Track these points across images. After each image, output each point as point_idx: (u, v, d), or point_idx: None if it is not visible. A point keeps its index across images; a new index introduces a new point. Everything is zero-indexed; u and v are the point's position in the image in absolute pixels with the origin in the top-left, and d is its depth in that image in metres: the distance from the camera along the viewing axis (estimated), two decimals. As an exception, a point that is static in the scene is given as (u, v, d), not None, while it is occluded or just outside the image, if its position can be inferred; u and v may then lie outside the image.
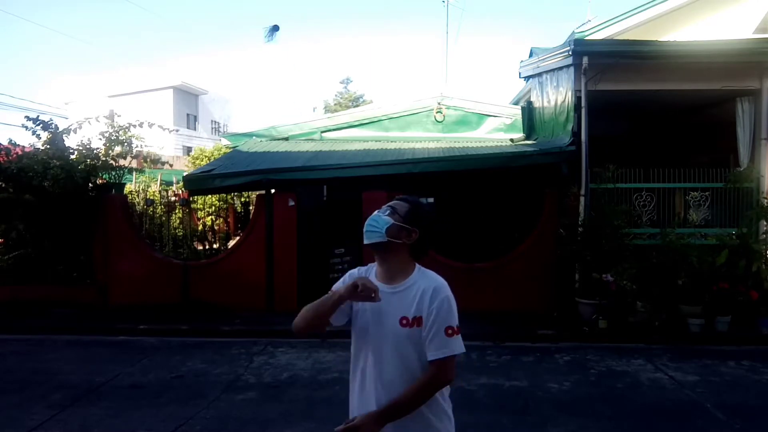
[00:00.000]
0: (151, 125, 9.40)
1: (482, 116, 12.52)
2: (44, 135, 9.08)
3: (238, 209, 16.13)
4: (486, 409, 4.80)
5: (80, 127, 9.21)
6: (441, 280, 2.02)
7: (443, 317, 1.90)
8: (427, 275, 2.04)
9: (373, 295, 1.85)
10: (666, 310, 7.06)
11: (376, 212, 2.03)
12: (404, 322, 1.93)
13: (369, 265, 2.12)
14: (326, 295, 1.95)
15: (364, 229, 2.00)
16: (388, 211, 2.01)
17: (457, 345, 1.90)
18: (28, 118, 9.09)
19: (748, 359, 6.20)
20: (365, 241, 2.01)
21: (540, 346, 6.79)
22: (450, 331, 1.89)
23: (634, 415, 4.67)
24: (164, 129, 9.49)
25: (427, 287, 1.96)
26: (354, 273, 2.09)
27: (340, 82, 35.66)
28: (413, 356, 1.93)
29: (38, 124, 9.02)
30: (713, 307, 6.98)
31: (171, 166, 11.34)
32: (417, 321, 1.92)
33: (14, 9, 57.66)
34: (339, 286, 2.02)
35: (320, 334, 7.10)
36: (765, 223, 7.54)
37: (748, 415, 4.65)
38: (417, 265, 2.06)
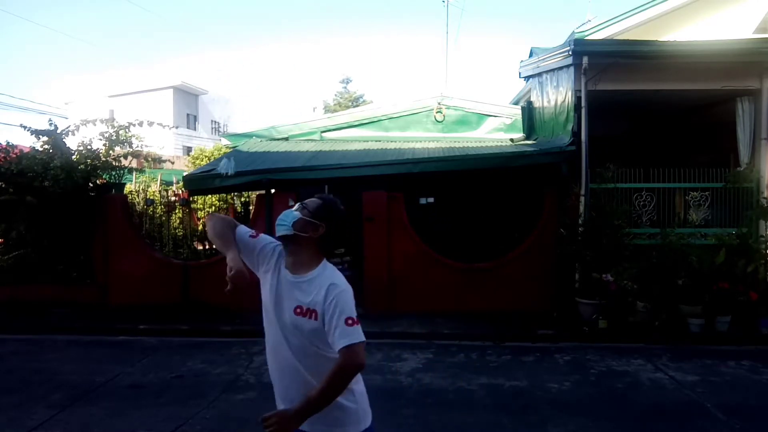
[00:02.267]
0: (150, 124, 9.40)
1: (482, 116, 12.52)
2: (46, 140, 9.07)
3: (238, 209, 16.11)
4: (486, 409, 4.80)
5: (77, 129, 9.21)
6: (340, 277, 2.11)
7: (341, 309, 1.99)
8: (328, 270, 2.13)
9: (234, 289, 2.06)
10: (666, 310, 7.06)
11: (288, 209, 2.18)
12: (298, 311, 2.05)
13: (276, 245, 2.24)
14: (229, 237, 2.18)
15: (277, 223, 2.14)
16: (298, 207, 2.15)
17: (359, 334, 1.98)
18: (25, 127, 9.07)
19: (748, 359, 6.20)
20: (276, 234, 2.15)
21: (540, 346, 6.79)
22: (350, 321, 1.98)
23: (634, 415, 4.67)
24: (163, 126, 9.48)
25: (325, 282, 2.06)
26: (265, 239, 2.24)
27: (340, 82, 35.61)
28: (300, 343, 2.06)
29: (37, 134, 9.02)
30: (713, 307, 6.98)
31: (172, 163, 11.33)
32: (310, 312, 2.03)
33: (14, 9, 57.66)
34: (248, 239, 2.22)
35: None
36: (765, 223, 7.54)
37: (748, 415, 4.65)
38: (324, 261, 2.16)
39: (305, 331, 2.04)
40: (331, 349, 2.00)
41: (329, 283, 2.05)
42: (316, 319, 2.02)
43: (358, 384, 2.16)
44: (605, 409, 4.81)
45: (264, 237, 2.28)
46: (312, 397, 1.96)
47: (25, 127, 9.05)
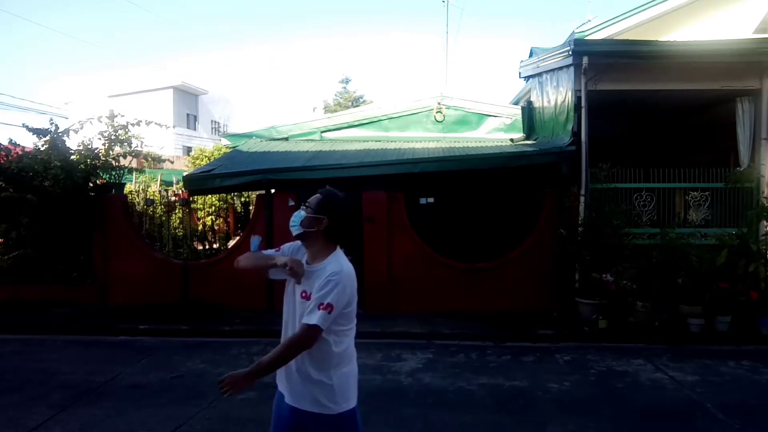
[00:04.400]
0: (148, 123, 9.40)
1: (482, 116, 12.52)
2: (46, 140, 9.06)
3: (238, 209, 16.13)
4: (486, 409, 4.80)
5: (81, 128, 9.21)
6: (343, 266, 2.30)
7: (322, 295, 2.21)
8: (337, 258, 2.34)
9: (296, 277, 2.30)
10: (666, 310, 7.06)
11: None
12: (303, 295, 2.31)
13: (296, 244, 2.49)
14: (266, 256, 2.42)
15: (291, 222, 2.40)
16: (304, 207, 2.39)
17: (319, 318, 2.18)
18: (28, 128, 9.08)
19: (748, 359, 6.20)
20: (293, 234, 2.40)
21: (540, 346, 6.79)
22: (322, 306, 2.19)
23: (634, 415, 4.67)
24: (161, 125, 9.48)
25: (330, 269, 2.28)
26: (286, 248, 2.48)
27: (340, 82, 35.62)
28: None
29: (38, 134, 9.02)
30: (713, 307, 6.98)
31: (172, 162, 11.33)
32: (308, 295, 2.29)
33: (14, 9, 57.66)
34: (276, 254, 2.45)
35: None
36: (765, 223, 7.53)
37: (748, 415, 4.65)
38: (336, 251, 2.37)
39: (304, 312, 2.26)
40: (326, 333, 2.24)
41: (331, 270, 2.26)
42: (309, 299, 2.26)
43: (339, 365, 2.33)
44: (605, 409, 4.81)
45: (285, 246, 2.51)
46: (263, 361, 2.21)
47: (27, 128, 9.05)
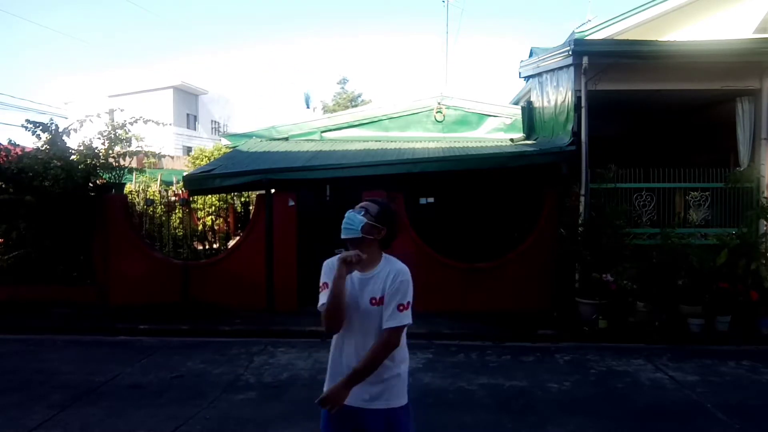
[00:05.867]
0: (146, 121, 9.39)
1: (482, 116, 12.52)
2: (44, 136, 9.07)
3: (238, 209, 16.13)
4: (486, 409, 4.80)
5: (81, 126, 9.18)
6: (402, 266, 2.40)
7: (398, 295, 2.31)
8: (391, 262, 2.42)
9: (356, 258, 2.26)
10: (666, 310, 7.06)
11: (350, 211, 2.40)
12: (373, 301, 2.33)
13: (335, 257, 2.41)
14: (330, 290, 2.28)
15: (342, 225, 2.37)
16: (362, 212, 2.39)
17: (406, 317, 2.32)
18: (28, 121, 9.06)
19: (748, 359, 6.20)
20: (342, 236, 2.38)
21: (540, 346, 6.79)
22: (401, 307, 2.30)
23: (634, 415, 4.67)
24: (159, 124, 9.47)
25: (391, 271, 2.36)
26: (330, 261, 2.40)
27: (337, 83, 35.53)
28: (371, 328, 2.33)
29: (38, 127, 9.00)
30: (713, 307, 6.98)
31: (172, 158, 11.32)
32: (381, 300, 2.33)
33: (14, 9, 57.66)
34: (326, 279, 2.36)
35: (321, 335, 7.11)
36: (765, 223, 7.53)
37: (748, 415, 4.65)
38: (384, 254, 2.44)
39: (376, 317, 2.33)
40: None
41: (394, 272, 2.35)
42: (382, 304, 2.33)
43: (405, 359, 2.46)
44: (605, 409, 4.81)
45: (325, 269, 2.43)
46: (357, 369, 2.28)
47: (26, 121, 8.98)
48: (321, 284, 2.38)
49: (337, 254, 2.33)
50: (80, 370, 5.78)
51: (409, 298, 2.34)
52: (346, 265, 2.26)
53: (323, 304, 2.32)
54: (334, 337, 2.45)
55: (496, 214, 9.60)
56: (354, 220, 2.36)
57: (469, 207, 9.84)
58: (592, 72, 7.66)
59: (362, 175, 8.18)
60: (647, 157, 9.12)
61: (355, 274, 2.35)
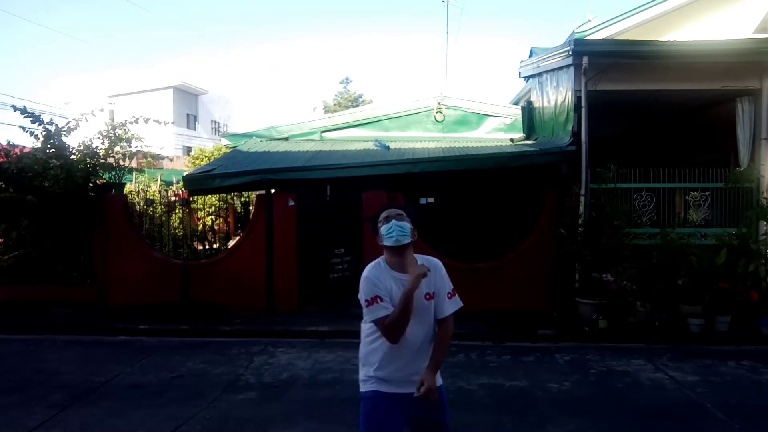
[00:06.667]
0: (146, 120, 9.38)
1: (482, 116, 12.52)
2: (39, 130, 8.88)
3: (238, 209, 16.14)
4: (486, 409, 4.80)
5: (78, 125, 9.15)
6: (436, 260, 2.70)
7: (445, 286, 2.65)
8: (424, 258, 2.66)
9: (428, 272, 2.52)
10: (666, 310, 7.06)
11: (394, 221, 2.57)
12: (428, 297, 2.60)
13: (373, 263, 2.65)
14: (403, 304, 2.43)
15: (398, 234, 2.55)
16: (405, 218, 2.60)
17: (458, 301, 2.68)
18: (15, 108, 8.89)
19: (748, 359, 6.20)
20: (400, 243, 2.55)
21: (540, 346, 6.79)
22: (449, 295, 2.66)
23: (634, 415, 4.67)
24: (159, 122, 9.47)
25: (433, 265, 2.64)
26: (371, 275, 2.57)
27: (340, 82, 35.60)
28: (432, 320, 2.63)
29: (27, 116, 8.83)
30: (713, 307, 6.98)
31: (171, 160, 11.31)
32: (433, 294, 2.62)
33: (14, 9, 57.66)
34: (377, 292, 2.51)
35: (321, 334, 7.12)
36: (765, 223, 7.53)
37: (748, 415, 4.65)
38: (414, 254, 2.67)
39: (431, 309, 2.62)
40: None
41: (434, 267, 2.63)
42: (434, 298, 2.62)
43: None
44: (605, 409, 4.81)
45: (372, 279, 2.58)
46: (439, 358, 2.62)
47: (15, 108, 8.88)
48: (372, 298, 2.50)
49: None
50: (80, 370, 5.78)
51: (451, 284, 2.67)
52: (419, 281, 2.46)
53: (384, 317, 2.47)
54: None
55: (496, 214, 9.60)
56: (405, 227, 2.56)
57: (469, 207, 9.84)
58: (592, 72, 7.66)
59: (362, 175, 8.18)
60: (647, 157, 9.12)
61: (398, 275, 2.56)
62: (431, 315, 2.62)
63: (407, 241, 2.56)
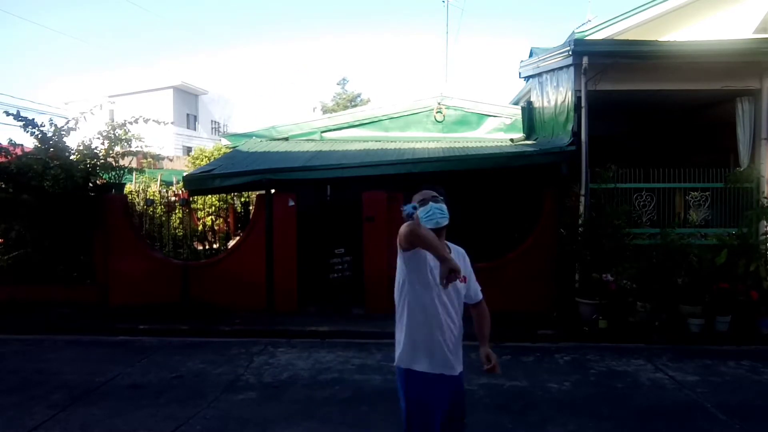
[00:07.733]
0: (146, 120, 9.38)
1: (482, 116, 12.51)
2: (36, 137, 8.93)
3: (238, 209, 16.15)
4: (486, 409, 4.80)
5: (78, 125, 9.14)
6: (460, 248, 2.82)
7: (472, 271, 2.87)
8: (451, 245, 2.75)
9: (450, 282, 2.44)
10: (666, 310, 7.06)
11: (431, 203, 2.59)
12: (462, 280, 2.72)
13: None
14: (434, 246, 2.38)
15: (438, 216, 2.57)
16: (440, 199, 2.64)
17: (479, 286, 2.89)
18: (8, 113, 8.91)
19: (748, 359, 6.20)
20: (440, 225, 2.59)
21: (540, 346, 6.79)
22: (474, 278, 2.87)
23: (634, 415, 4.67)
24: (159, 123, 9.47)
25: (459, 253, 2.78)
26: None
27: (337, 83, 35.53)
28: (459, 302, 2.74)
29: (20, 120, 8.81)
30: (713, 307, 6.98)
31: (171, 160, 11.31)
32: (465, 278, 2.75)
33: (14, 9, 57.67)
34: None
35: (321, 334, 7.11)
36: (765, 223, 7.53)
37: (748, 415, 4.65)
38: None
39: (462, 292, 2.75)
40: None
41: (461, 253, 2.80)
42: (465, 281, 2.76)
43: None
44: (605, 409, 4.81)
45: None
46: (486, 336, 2.84)
47: (7, 113, 8.90)
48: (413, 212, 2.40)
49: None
50: (80, 370, 5.78)
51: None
52: (448, 270, 2.36)
53: (416, 225, 2.35)
54: (418, 313, 2.62)
55: (496, 214, 9.59)
56: (443, 209, 2.60)
57: (469, 207, 9.82)
58: (592, 72, 7.66)
59: (362, 175, 8.18)
60: (647, 157, 9.12)
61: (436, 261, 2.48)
62: (461, 296, 2.74)
63: (446, 222, 2.59)
